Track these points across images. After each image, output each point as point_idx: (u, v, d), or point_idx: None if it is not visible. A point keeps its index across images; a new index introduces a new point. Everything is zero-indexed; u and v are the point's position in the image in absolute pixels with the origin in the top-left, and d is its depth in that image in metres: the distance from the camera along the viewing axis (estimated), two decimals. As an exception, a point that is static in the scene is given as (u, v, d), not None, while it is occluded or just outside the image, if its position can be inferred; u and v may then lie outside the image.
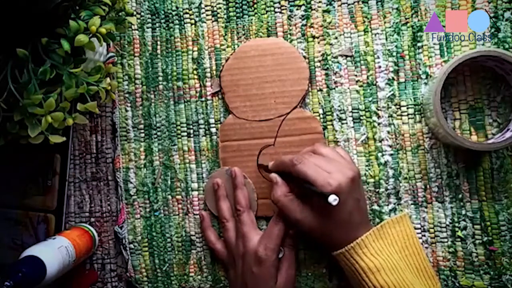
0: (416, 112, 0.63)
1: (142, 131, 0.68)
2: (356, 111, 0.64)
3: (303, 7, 0.66)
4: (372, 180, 0.63)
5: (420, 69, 0.63)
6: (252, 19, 0.67)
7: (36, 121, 0.51)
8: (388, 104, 0.63)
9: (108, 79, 0.59)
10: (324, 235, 0.57)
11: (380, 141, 0.63)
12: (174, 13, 0.68)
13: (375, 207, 0.63)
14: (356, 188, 0.56)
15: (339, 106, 0.64)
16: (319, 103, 0.65)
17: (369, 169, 0.63)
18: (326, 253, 0.64)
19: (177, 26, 0.68)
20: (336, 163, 0.57)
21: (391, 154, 0.63)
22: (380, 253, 0.55)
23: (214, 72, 0.67)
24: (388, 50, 0.64)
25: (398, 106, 0.63)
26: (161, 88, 0.68)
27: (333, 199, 0.50)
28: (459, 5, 0.62)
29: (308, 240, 0.64)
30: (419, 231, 0.62)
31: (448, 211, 0.62)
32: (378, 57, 0.64)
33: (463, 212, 0.61)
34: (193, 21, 0.68)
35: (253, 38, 0.67)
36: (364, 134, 0.64)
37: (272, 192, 0.60)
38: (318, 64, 0.65)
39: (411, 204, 0.63)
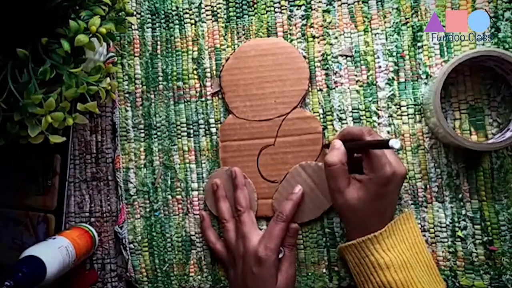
0: (416, 112, 0.63)
1: (142, 131, 0.68)
2: (356, 111, 0.64)
3: (303, 7, 0.66)
4: (372, 180, 0.63)
5: (420, 69, 0.63)
6: (252, 19, 0.67)
7: (36, 121, 0.51)
8: (388, 104, 0.63)
9: (108, 79, 0.59)
10: (357, 217, 0.57)
11: (380, 141, 0.63)
12: (174, 13, 0.68)
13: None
14: (401, 185, 0.58)
15: (339, 106, 0.64)
16: (319, 103, 0.65)
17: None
18: (326, 253, 0.64)
19: (177, 26, 0.68)
20: (394, 155, 0.57)
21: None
22: (392, 250, 0.55)
23: (214, 72, 0.67)
24: (388, 50, 0.64)
25: (398, 106, 0.63)
26: (161, 88, 0.68)
27: (395, 141, 0.49)
28: (459, 5, 0.62)
29: (308, 239, 0.64)
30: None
31: (448, 211, 0.62)
32: (378, 57, 0.64)
33: (463, 212, 0.61)
34: (193, 21, 0.68)
35: (253, 38, 0.67)
36: (364, 134, 0.64)
37: (329, 154, 0.58)
38: (318, 64, 0.65)
39: (411, 204, 0.63)
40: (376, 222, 0.57)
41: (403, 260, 0.55)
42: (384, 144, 0.51)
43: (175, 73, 0.68)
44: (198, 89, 0.68)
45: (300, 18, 0.66)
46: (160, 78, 0.68)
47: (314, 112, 0.65)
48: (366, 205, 0.56)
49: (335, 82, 0.65)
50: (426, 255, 0.58)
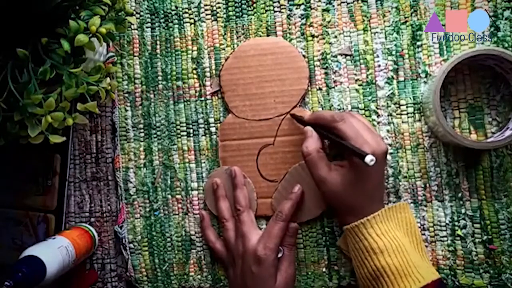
0: (416, 111, 0.63)
1: (142, 130, 0.68)
2: (355, 110, 0.64)
3: (302, 6, 0.66)
4: (371, 179, 0.63)
5: (419, 68, 0.63)
6: (251, 19, 0.67)
7: (36, 121, 0.51)
8: (387, 103, 0.63)
9: (108, 79, 0.59)
10: (344, 202, 0.57)
11: (380, 140, 0.63)
12: (173, 12, 0.68)
13: (375, 206, 0.63)
14: (385, 163, 0.59)
15: (338, 105, 0.64)
16: (319, 102, 0.65)
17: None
18: (326, 252, 0.64)
19: (177, 26, 0.68)
20: (373, 134, 0.57)
21: (390, 153, 0.63)
22: (386, 234, 0.55)
23: (214, 71, 0.67)
24: (388, 49, 0.64)
25: (397, 105, 0.63)
26: (160, 87, 0.68)
27: (369, 159, 0.50)
28: (458, 4, 0.62)
29: (308, 238, 0.64)
30: (418, 230, 0.62)
31: (448, 210, 0.62)
32: (378, 56, 0.64)
33: (463, 210, 0.61)
34: (192, 21, 0.68)
35: (252, 38, 0.67)
36: (364, 133, 0.64)
37: (304, 143, 0.59)
38: (318, 63, 0.65)
39: (411, 203, 0.63)
40: (366, 205, 0.57)
41: (398, 245, 0.55)
42: (359, 156, 0.51)
43: (174, 73, 0.68)
44: (198, 89, 0.68)
45: (299, 17, 0.66)
46: (160, 78, 0.68)
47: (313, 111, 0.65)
48: (350, 189, 0.56)
49: (335, 81, 0.65)
50: (421, 247, 0.58)
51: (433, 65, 0.63)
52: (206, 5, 0.68)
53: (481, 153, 0.61)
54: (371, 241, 0.55)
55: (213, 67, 0.67)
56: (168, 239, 0.67)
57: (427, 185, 0.62)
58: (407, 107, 0.63)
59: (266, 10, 0.67)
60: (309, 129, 0.60)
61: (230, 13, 0.67)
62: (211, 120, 0.67)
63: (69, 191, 0.69)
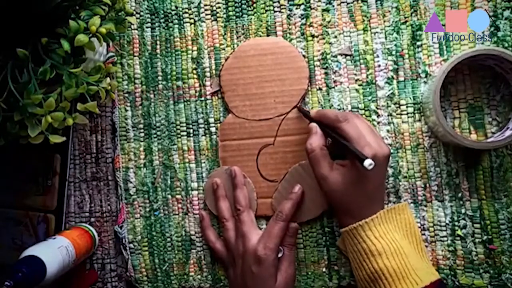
0: (416, 111, 0.63)
1: (142, 130, 0.68)
2: (355, 110, 0.64)
3: (302, 6, 0.66)
4: (371, 179, 0.63)
5: (419, 68, 0.63)
6: (251, 19, 0.67)
7: (36, 121, 0.51)
8: (387, 103, 0.63)
9: (108, 79, 0.59)
10: (343, 202, 0.57)
11: (380, 140, 0.63)
12: (173, 12, 0.68)
13: (375, 206, 0.63)
14: (386, 166, 0.58)
15: (338, 105, 0.64)
16: (319, 102, 0.65)
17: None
18: (326, 252, 0.64)
19: (177, 26, 0.68)
20: (375, 136, 0.57)
21: (390, 153, 0.63)
22: (384, 237, 0.55)
23: (214, 71, 0.67)
24: (388, 49, 0.64)
25: (397, 105, 0.63)
26: (160, 87, 0.68)
27: (368, 163, 0.50)
28: (458, 4, 0.62)
29: (308, 238, 0.64)
30: (418, 230, 0.62)
31: (448, 210, 0.62)
32: (378, 56, 0.64)
33: (463, 211, 0.61)
34: (192, 21, 0.68)
35: (252, 38, 0.67)
36: (364, 133, 0.64)
37: (308, 140, 0.59)
38: (318, 63, 0.65)
39: (411, 203, 0.63)
40: (366, 206, 0.57)
41: (396, 247, 0.55)
42: (359, 159, 0.51)
43: (174, 73, 0.68)
44: (198, 89, 0.68)
45: (299, 17, 0.66)
46: (160, 78, 0.68)
47: (313, 112, 0.65)
48: (351, 189, 0.56)
49: (335, 81, 0.65)
50: (418, 247, 0.58)
51: (433, 65, 0.63)
52: (206, 5, 0.68)
53: (481, 153, 0.61)
54: (369, 244, 0.55)
55: (213, 67, 0.67)
56: (168, 239, 0.67)
57: (427, 185, 0.62)
58: (407, 107, 0.63)
59: (266, 10, 0.67)
60: (314, 125, 0.60)
61: (230, 13, 0.67)
62: (211, 120, 0.67)
63: (69, 191, 0.69)
